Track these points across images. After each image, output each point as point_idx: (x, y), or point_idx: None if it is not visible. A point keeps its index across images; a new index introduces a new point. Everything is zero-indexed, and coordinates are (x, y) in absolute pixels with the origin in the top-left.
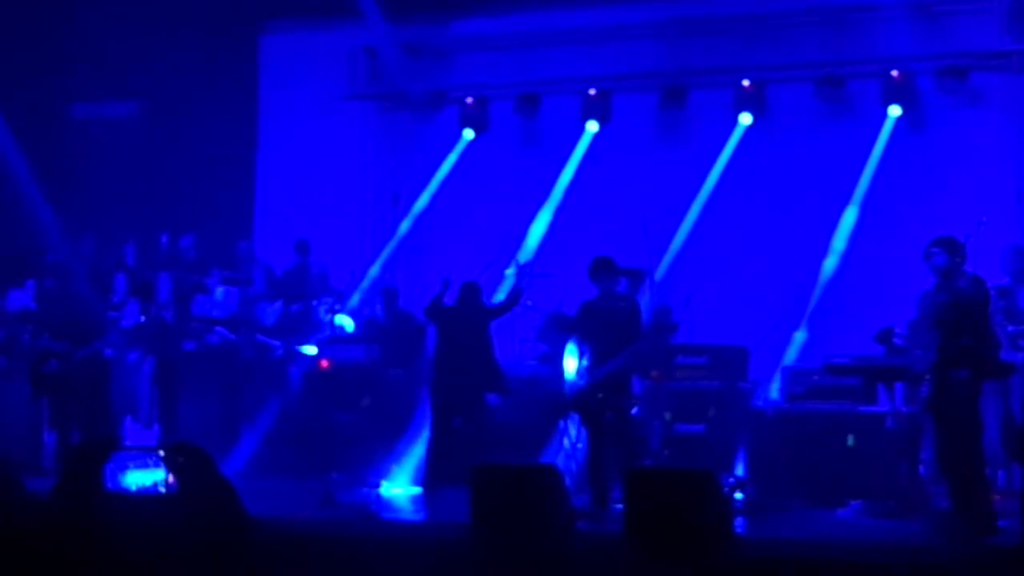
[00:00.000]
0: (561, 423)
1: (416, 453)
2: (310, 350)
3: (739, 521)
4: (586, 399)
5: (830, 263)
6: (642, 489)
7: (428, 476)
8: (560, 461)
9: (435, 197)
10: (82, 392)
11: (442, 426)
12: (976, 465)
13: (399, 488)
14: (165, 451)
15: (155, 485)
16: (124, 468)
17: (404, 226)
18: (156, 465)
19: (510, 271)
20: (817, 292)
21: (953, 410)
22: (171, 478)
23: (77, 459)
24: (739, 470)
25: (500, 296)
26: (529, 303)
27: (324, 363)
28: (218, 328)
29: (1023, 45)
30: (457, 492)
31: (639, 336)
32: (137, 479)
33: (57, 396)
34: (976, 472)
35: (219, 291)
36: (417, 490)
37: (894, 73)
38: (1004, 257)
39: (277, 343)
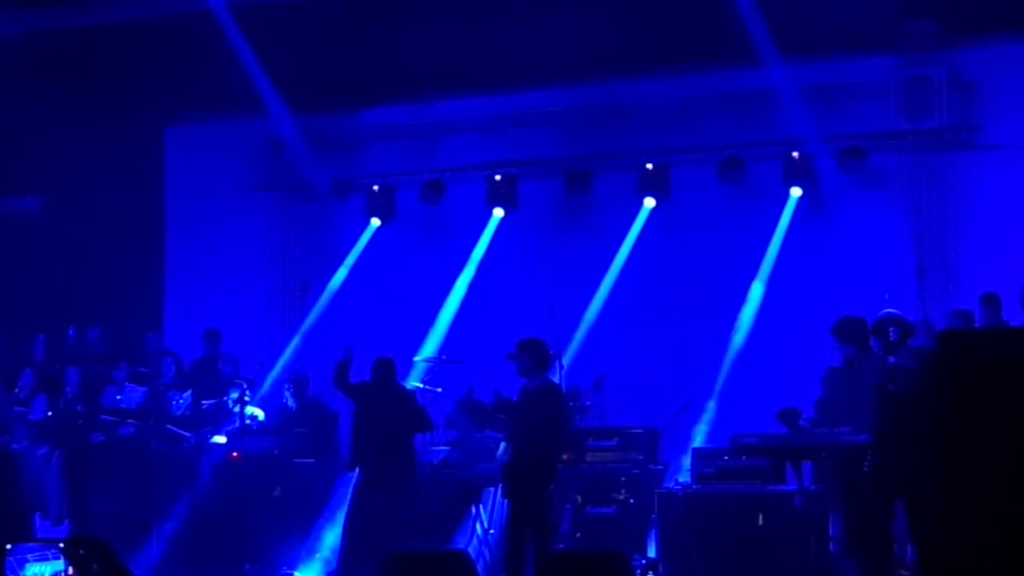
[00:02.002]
0: (473, 508)
1: (328, 542)
2: (220, 440)
3: None
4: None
5: (736, 343)
6: (555, 574)
7: (344, 559)
8: (472, 548)
9: (344, 285)
10: None
11: (364, 505)
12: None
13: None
14: (65, 543)
15: None
16: (24, 561)
17: (313, 314)
18: (55, 557)
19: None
20: (724, 371)
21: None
22: (71, 571)
23: None
24: (651, 551)
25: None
26: (439, 389)
27: (235, 454)
28: (129, 420)
29: (918, 125)
30: None
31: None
32: (36, 572)
33: None
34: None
35: (129, 388)
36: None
37: (795, 155)
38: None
39: (188, 434)
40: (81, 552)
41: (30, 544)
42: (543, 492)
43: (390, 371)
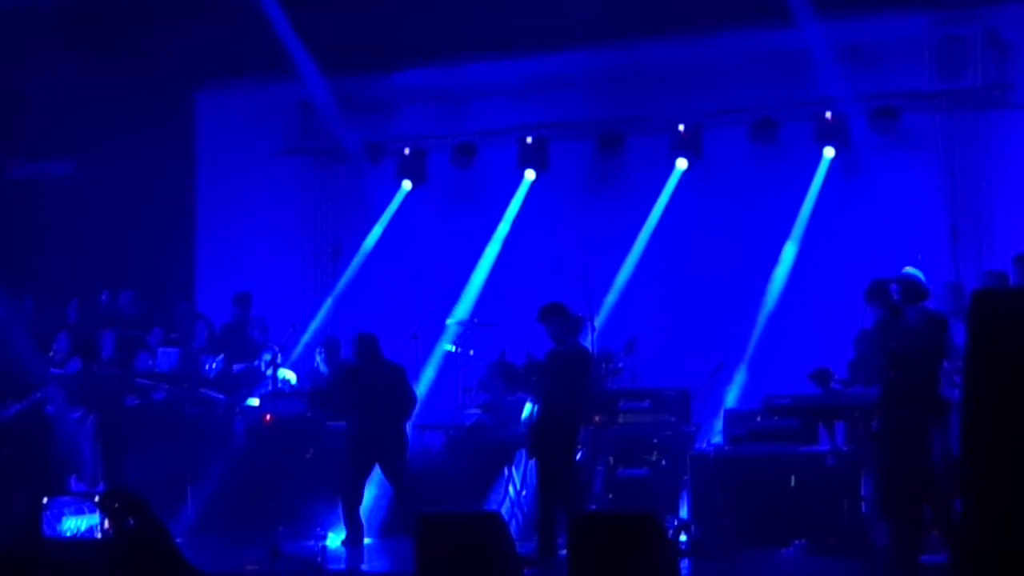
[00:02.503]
0: (506, 471)
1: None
2: (253, 403)
3: (684, 563)
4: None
5: (768, 304)
6: (586, 534)
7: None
8: (505, 509)
9: (375, 248)
10: (23, 449)
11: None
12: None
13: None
14: (100, 497)
15: (91, 530)
16: (60, 515)
17: (345, 278)
18: (91, 511)
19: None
20: (757, 332)
21: (902, 447)
22: (107, 524)
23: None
24: (683, 513)
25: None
26: (471, 352)
27: (267, 417)
28: (162, 384)
29: (951, 84)
30: (403, 541)
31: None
32: (73, 525)
33: None
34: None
35: (162, 351)
36: (364, 541)
37: (828, 115)
38: (939, 295)
39: (221, 397)
40: (116, 506)
41: (67, 498)
42: (568, 454)
43: (374, 348)
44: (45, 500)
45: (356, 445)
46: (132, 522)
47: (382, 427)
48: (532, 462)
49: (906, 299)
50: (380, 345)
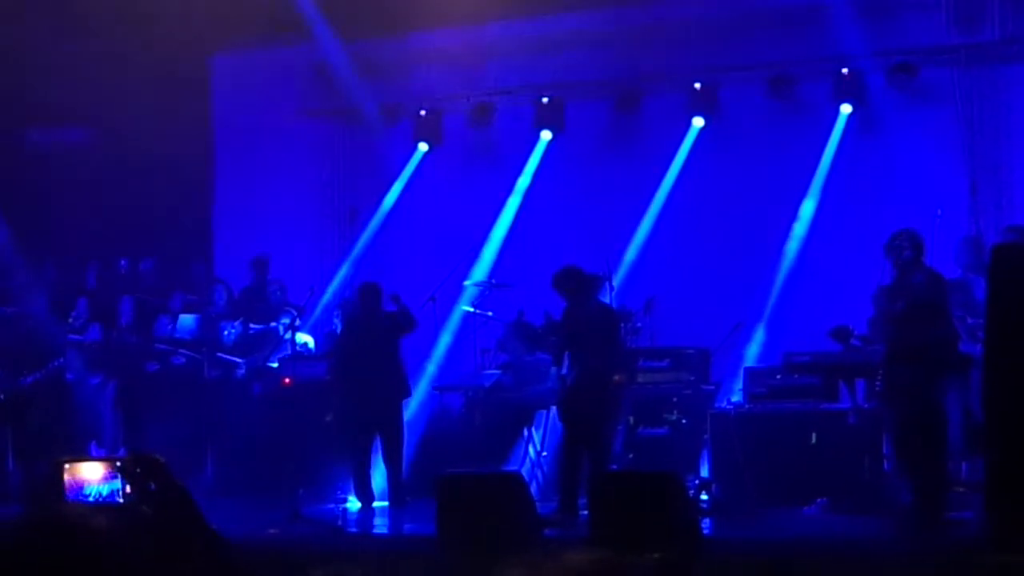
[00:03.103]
0: (525, 431)
1: (382, 468)
2: (272, 366)
3: (705, 522)
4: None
5: (787, 261)
6: (607, 493)
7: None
8: (525, 470)
9: (392, 210)
10: (43, 416)
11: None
12: (933, 458)
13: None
14: (122, 462)
15: (112, 495)
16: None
17: (362, 240)
18: (112, 476)
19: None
20: (776, 290)
21: (905, 405)
22: (128, 488)
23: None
24: (703, 471)
25: (466, 307)
26: (489, 313)
27: (287, 381)
28: (182, 349)
29: (969, 39)
30: (423, 503)
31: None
32: (95, 489)
33: (14, 423)
34: (935, 465)
35: (182, 318)
36: (383, 504)
37: (844, 71)
38: (959, 250)
39: (240, 360)
40: (138, 470)
41: (89, 462)
42: (599, 416)
43: (376, 298)
44: (66, 465)
45: (352, 403)
46: (154, 486)
47: (373, 378)
48: (557, 423)
49: (917, 256)
50: (381, 296)
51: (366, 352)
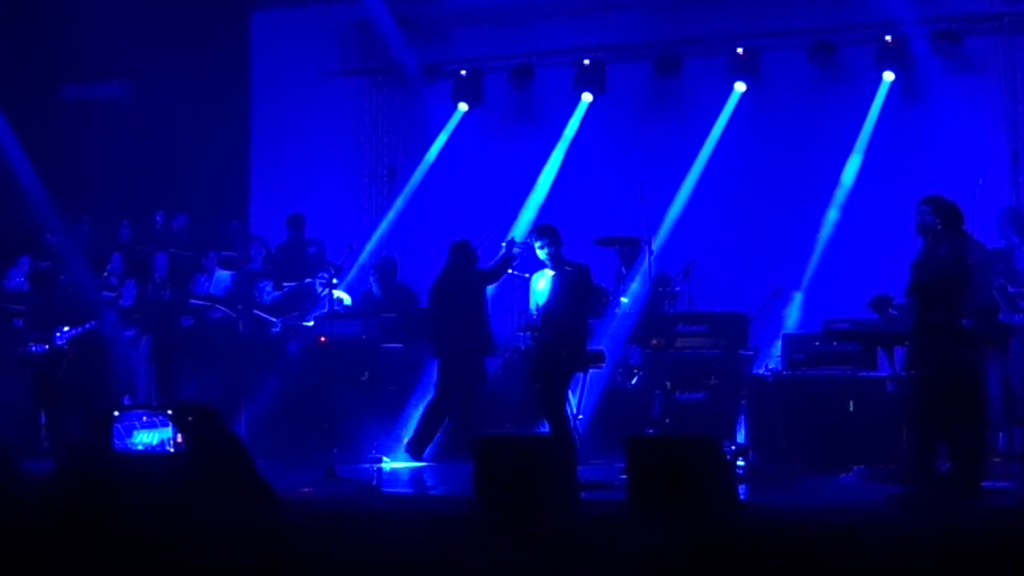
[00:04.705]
0: None
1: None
2: (308, 324)
3: (742, 488)
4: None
5: (827, 228)
6: (645, 457)
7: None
8: None
9: (431, 170)
10: (78, 372)
11: (443, 397)
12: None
13: (400, 462)
14: (174, 410)
15: (162, 444)
16: (132, 428)
17: (401, 200)
18: (163, 425)
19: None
20: (815, 257)
21: (933, 376)
22: (179, 437)
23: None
24: (741, 437)
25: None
26: (526, 275)
27: (322, 338)
28: (217, 305)
29: (1014, 7)
30: (460, 464)
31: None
32: (144, 438)
33: (45, 378)
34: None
35: (218, 273)
36: (418, 464)
37: (887, 38)
38: (1000, 219)
39: (275, 319)
40: (190, 419)
41: (138, 411)
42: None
43: (467, 255)
44: (116, 413)
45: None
46: (206, 434)
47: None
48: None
49: (944, 224)
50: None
51: (459, 310)
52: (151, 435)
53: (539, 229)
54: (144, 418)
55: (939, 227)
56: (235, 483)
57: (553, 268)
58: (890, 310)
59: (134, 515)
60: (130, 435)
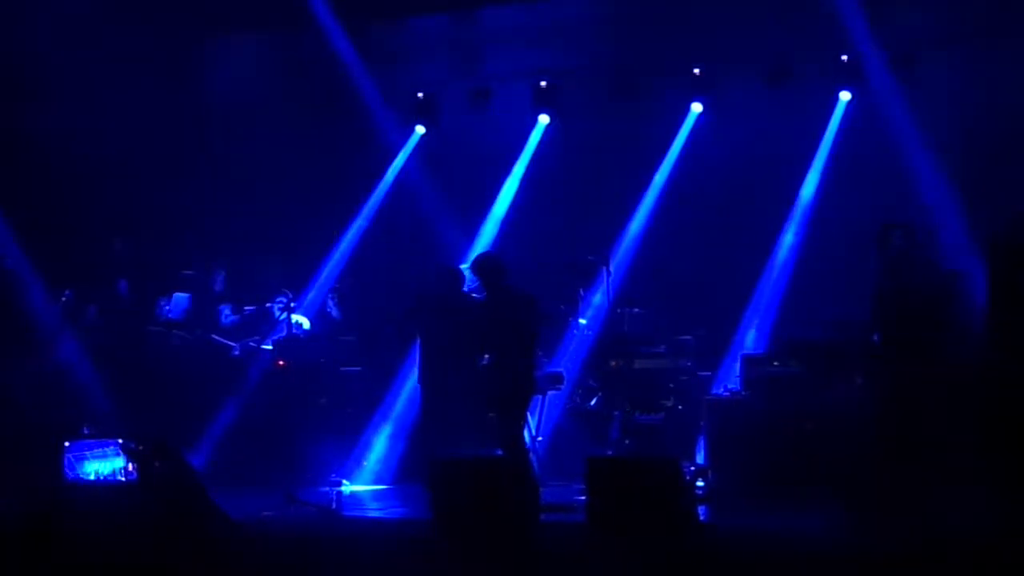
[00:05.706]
0: None
1: (376, 450)
2: (266, 348)
3: (701, 509)
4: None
5: (785, 248)
6: (605, 478)
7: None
8: None
9: (388, 193)
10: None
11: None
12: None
13: (360, 485)
14: (125, 441)
15: (114, 474)
16: (82, 458)
17: (357, 223)
18: (116, 455)
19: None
20: (774, 276)
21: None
22: (131, 467)
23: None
24: (700, 458)
25: None
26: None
27: (281, 363)
28: (175, 332)
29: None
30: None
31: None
32: (96, 468)
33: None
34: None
35: (176, 295)
36: (379, 487)
37: (844, 58)
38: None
39: (234, 344)
40: (141, 448)
41: (88, 440)
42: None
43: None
44: (67, 443)
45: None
46: (159, 466)
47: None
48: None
49: (907, 248)
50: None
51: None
52: (103, 465)
53: (472, 266)
54: (95, 448)
55: (912, 252)
56: (188, 512)
57: (494, 298)
58: (852, 330)
59: (86, 544)
60: (81, 464)
